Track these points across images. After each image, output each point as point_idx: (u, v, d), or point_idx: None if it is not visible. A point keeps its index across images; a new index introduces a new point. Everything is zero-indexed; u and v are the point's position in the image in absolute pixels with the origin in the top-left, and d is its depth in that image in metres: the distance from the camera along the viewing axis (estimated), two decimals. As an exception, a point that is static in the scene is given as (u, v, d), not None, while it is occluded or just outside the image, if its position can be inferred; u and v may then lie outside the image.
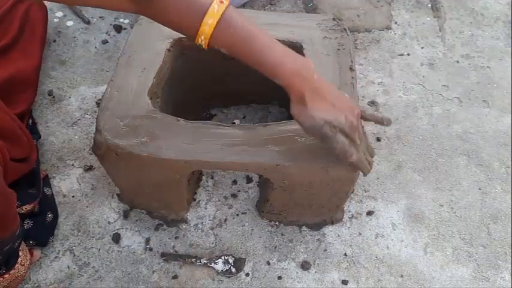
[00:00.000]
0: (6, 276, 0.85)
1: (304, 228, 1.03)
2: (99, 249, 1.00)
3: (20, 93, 1.08)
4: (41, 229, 0.98)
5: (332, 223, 1.03)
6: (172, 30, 0.70)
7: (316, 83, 0.70)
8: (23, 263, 0.88)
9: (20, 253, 0.88)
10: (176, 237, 1.02)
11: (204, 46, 0.67)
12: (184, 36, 0.72)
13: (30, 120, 1.13)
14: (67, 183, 1.09)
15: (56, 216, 1.02)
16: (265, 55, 0.68)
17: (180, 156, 0.80)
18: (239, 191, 1.09)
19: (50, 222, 1.00)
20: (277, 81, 0.70)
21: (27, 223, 0.96)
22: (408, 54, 1.36)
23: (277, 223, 1.04)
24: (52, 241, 1.00)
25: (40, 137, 1.13)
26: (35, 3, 1.18)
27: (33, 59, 1.16)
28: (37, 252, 0.97)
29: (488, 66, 1.33)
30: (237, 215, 1.05)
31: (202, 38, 0.66)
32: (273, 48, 0.69)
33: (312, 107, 0.70)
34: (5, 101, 0.93)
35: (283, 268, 0.98)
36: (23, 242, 0.91)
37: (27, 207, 0.94)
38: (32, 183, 0.98)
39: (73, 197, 1.07)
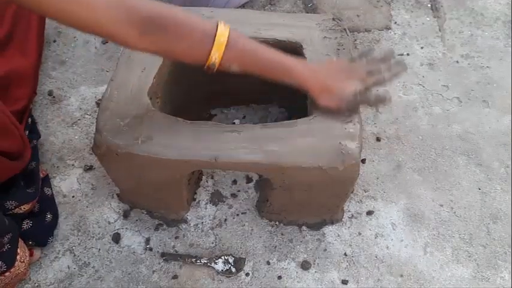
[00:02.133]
0: (7, 274, 0.85)
1: (304, 228, 1.03)
2: (99, 249, 1.00)
3: (18, 90, 1.07)
4: (40, 229, 0.98)
5: (332, 223, 1.03)
6: (177, 59, 0.71)
7: (322, 70, 0.80)
8: (22, 260, 0.89)
9: (19, 250, 0.88)
10: (176, 237, 1.02)
11: (216, 65, 0.69)
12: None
13: (30, 120, 1.12)
14: (67, 183, 1.09)
15: (55, 217, 1.02)
16: (278, 60, 0.74)
17: (180, 156, 0.80)
18: (239, 191, 1.09)
19: (49, 223, 1.00)
20: (291, 82, 0.76)
21: (27, 223, 0.96)
22: (408, 54, 1.36)
23: (277, 223, 1.04)
24: (51, 241, 1.00)
25: (40, 137, 1.13)
26: None
27: (30, 55, 1.14)
28: (37, 252, 0.97)
29: (488, 66, 1.33)
30: (237, 215, 1.05)
31: (215, 56, 0.68)
32: (280, 54, 0.75)
33: (338, 88, 0.78)
34: (2, 98, 0.92)
35: (283, 268, 0.98)
36: (20, 239, 0.91)
37: (25, 207, 0.94)
38: (30, 182, 0.98)
39: (73, 197, 1.07)
